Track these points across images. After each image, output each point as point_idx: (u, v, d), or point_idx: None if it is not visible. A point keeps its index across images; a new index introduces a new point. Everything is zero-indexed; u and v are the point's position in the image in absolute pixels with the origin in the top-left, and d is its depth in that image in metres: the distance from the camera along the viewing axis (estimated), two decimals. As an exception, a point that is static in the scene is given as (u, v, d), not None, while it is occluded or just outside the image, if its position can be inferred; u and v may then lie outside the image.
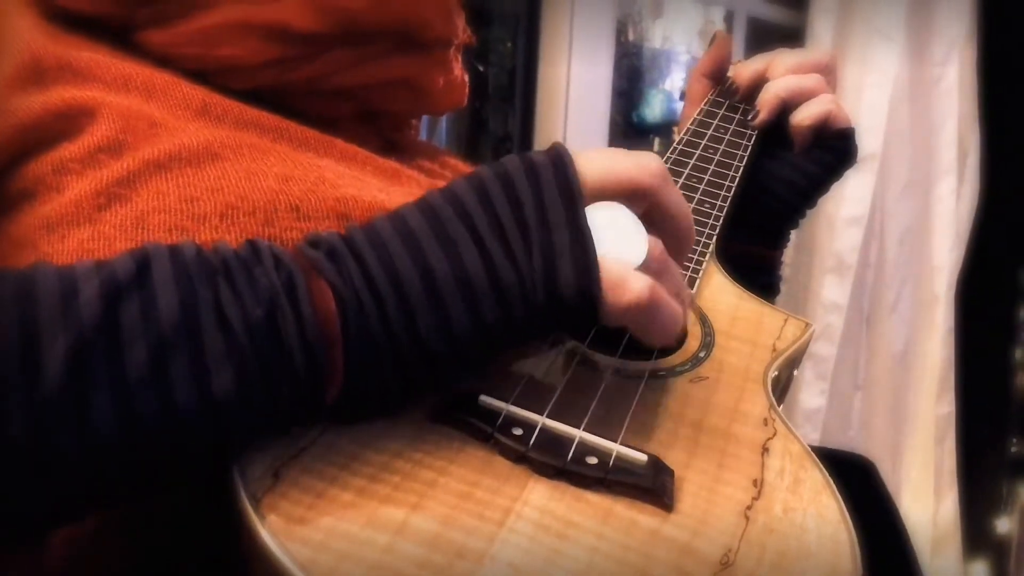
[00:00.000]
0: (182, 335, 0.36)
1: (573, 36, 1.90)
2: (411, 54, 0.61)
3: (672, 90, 2.23)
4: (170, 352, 0.36)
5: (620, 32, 2.07)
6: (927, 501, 2.06)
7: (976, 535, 2.15)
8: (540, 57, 1.92)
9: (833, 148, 0.75)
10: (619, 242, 0.43)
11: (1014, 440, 2.18)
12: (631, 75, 2.15)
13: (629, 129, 2.16)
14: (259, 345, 0.37)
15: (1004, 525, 2.18)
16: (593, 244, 0.42)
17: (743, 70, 0.79)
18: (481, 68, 1.91)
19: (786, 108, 0.75)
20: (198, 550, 0.43)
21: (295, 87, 0.58)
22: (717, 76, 0.83)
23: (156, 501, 0.42)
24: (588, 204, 0.43)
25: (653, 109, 2.19)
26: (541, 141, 1.93)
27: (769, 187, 0.76)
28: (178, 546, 0.44)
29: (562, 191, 0.43)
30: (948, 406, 2.08)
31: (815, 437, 2.00)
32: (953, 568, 2.07)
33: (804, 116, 0.73)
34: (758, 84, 0.77)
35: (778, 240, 0.79)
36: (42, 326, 0.34)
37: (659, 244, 0.45)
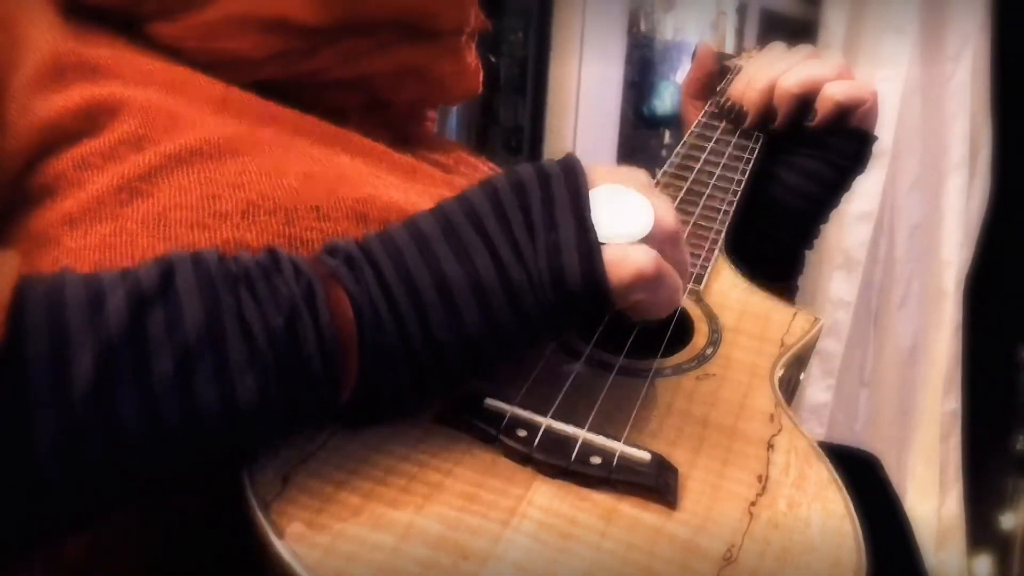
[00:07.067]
0: (206, 344, 0.37)
1: (585, 27, 1.90)
2: (419, 43, 0.61)
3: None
4: (195, 361, 0.36)
5: (632, 24, 2.06)
6: (932, 496, 2.05)
7: (980, 531, 2.15)
8: (551, 48, 1.91)
9: (845, 152, 0.71)
10: (623, 218, 0.44)
11: (1020, 437, 2.17)
12: (642, 67, 2.15)
13: (640, 121, 2.15)
14: (280, 353, 0.38)
15: (1009, 521, 2.17)
16: (595, 232, 0.43)
17: (748, 92, 0.74)
18: (492, 59, 1.91)
19: (804, 103, 0.71)
20: (212, 550, 0.44)
21: (301, 79, 0.58)
22: (706, 94, 0.81)
23: (171, 502, 0.43)
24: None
25: (664, 101, 2.18)
26: (552, 133, 1.92)
27: (776, 198, 0.73)
28: (193, 545, 0.44)
29: (570, 192, 0.44)
30: (954, 402, 2.07)
31: (821, 432, 2.00)
32: (957, 563, 2.07)
33: (837, 90, 0.69)
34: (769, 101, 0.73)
35: (791, 267, 0.76)
36: (71, 335, 0.35)
37: (667, 215, 0.46)
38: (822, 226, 0.75)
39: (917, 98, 2.02)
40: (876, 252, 2.04)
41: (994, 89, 2.04)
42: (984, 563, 2.18)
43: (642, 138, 2.16)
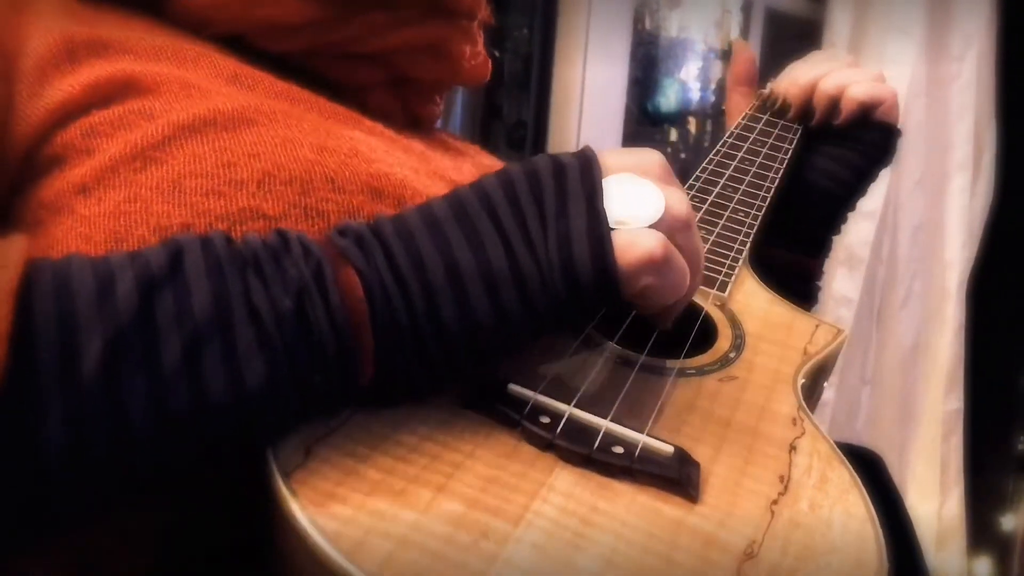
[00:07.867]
0: (215, 329, 0.36)
1: (590, 24, 1.90)
2: (438, 20, 0.61)
3: (687, 80, 2.23)
4: (203, 346, 0.36)
5: (636, 21, 2.06)
6: (933, 496, 2.06)
7: (981, 531, 2.16)
8: (556, 44, 1.91)
9: (872, 143, 0.77)
10: (633, 204, 0.44)
11: (1021, 438, 2.18)
12: (647, 64, 2.15)
13: (644, 118, 2.16)
14: (289, 335, 0.38)
15: (1009, 522, 2.18)
16: (607, 222, 0.43)
17: (791, 87, 0.81)
18: (497, 54, 1.91)
19: (838, 105, 0.77)
20: (212, 549, 0.44)
21: (329, 50, 0.58)
22: (751, 82, 0.86)
23: (171, 502, 0.43)
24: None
25: (668, 98, 2.18)
26: (555, 129, 1.92)
27: (808, 179, 0.78)
28: (192, 545, 0.44)
29: (584, 183, 0.44)
30: (956, 402, 2.08)
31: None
32: (957, 564, 2.08)
33: (859, 90, 0.76)
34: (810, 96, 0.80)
35: (818, 248, 0.80)
36: (79, 320, 0.35)
37: (678, 202, 0.45)
38: (849, 214, 0.81)
39: (922, 98, 2.03)
40: (879, 251, 2.04)
41: (999, 90, 2.04)
42: (984, 564, 2.18)
43: (646, 135, 2.16)
